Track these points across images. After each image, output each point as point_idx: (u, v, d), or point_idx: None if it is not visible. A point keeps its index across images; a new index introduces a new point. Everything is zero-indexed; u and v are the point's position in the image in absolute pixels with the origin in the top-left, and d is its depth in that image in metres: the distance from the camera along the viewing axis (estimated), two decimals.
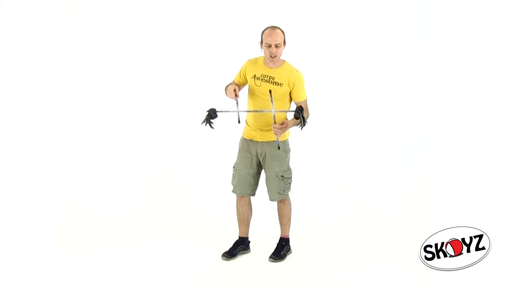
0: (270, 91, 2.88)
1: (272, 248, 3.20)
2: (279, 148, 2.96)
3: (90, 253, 3.17)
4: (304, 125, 2.92)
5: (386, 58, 3.99)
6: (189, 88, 4.06)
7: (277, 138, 2.93)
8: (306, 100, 3.04)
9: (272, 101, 2.86)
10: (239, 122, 2.92)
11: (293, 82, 2.96)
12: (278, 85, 2.96)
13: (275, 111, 2.88)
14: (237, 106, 2.91)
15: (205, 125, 2.96)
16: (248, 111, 3.05)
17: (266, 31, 2.93)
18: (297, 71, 3.00)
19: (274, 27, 2.94)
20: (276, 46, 2.90)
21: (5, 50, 2.16)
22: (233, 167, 3.20)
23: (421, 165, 3.86)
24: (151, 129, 4.04)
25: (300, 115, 2.89)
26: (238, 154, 3.17)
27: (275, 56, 2.92)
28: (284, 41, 2.96)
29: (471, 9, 2.27)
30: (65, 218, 3.29)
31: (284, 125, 2.90)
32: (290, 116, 3.01)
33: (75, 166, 3.79)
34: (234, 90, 2.93)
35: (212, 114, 2.94)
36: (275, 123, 2.89)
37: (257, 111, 3.01)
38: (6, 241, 2.19)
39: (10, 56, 2.17)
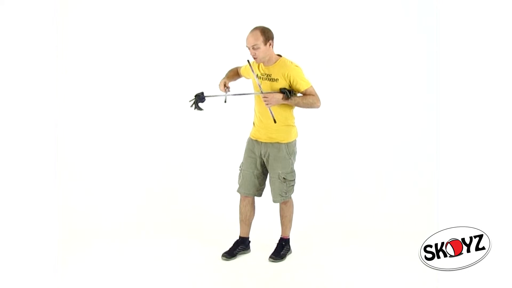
0: (247, 60, 2.97)
1: (272, 248, 3.20)
2: (275, 121, 2.95)
3: (90, 253, 3.17)
4: (289, 95, 2.91)
5: (387, 60, 3.98)
6: (190, 88, 4.04)
7: (269, 110, 2.92)
8: (311, 87, 2.98)
9: (252, 70, 2.97)
10: (225, 102, 3.05)
11: (288, 75, 2.94)
12: (274, 81, 2.97)
13: (263, 93, 2.94)
14: (226, 97, 3.05)
15: (194, 109, 3.03)
16: (234, 94, 3.08)
17: (247, 36, 2.95)
18: (291, 63, 2.97)
19: (253, 29, 2.94)
20: (254, 48, 2.90)
21: (5, 50, 2.16)
22: (239, 167, 3.21)
23: (421, 166, 3.86)
24: (152, 129, 4.04)
25: (285, 90, 2.91)
26: (244, 154, 3.19)
27: (256, 57, 2.93)
28: (266, 41, 2.91)
29: (472, 8, 2.27)
30: (65, 218, 3.29)
31: (273, 93, 2.92)
32: (295, 116, 3.07)
33: (75, 166, 3.79)
34: (224, 84, 3.08)
35: (200, 97, 3.01)
36: (261, 92, 2.95)
37: (244, 94, 3.06)
38: (6, 242, 2.19)
39: (11, 56, 2.17)
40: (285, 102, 2.92)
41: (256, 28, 2.93)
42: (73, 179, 3.75)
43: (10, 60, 2.17)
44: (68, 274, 2.83)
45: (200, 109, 3.02)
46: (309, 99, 2.96)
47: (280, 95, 2.91)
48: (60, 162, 3.09)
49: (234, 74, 3.29)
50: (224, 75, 3.24)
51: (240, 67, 3.26)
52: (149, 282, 2.79)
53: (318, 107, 2.99)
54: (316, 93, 2.98)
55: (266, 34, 2.92)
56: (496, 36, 2.22)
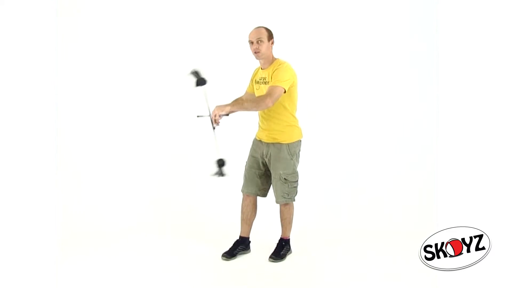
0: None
1: (272, 248, 3.20)
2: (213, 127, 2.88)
3: (90, 253, 3.18)
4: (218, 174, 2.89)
5: (388, 61, 3.98)
6: (190, 88, 4.05)
7: (220, 116, 2.82)
8: (276, 87, 2.83)
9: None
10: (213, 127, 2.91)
11: (273, 72, 2.94)
12: (267, 83, 2.99)
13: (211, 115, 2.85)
14: (213, 130, 2.89)
15: (219, 176, 2.93)
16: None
17: (250, 32, 2.99)
18: (282, 62, 2.98)
19: (256, 27, 3.00)
20: (258, 42, 2.93)
21: (5, 50, 2.16)
22: (245, 167, 3.24)
23: (420, 165, 3.86)
24: (153, 129, 4.04)
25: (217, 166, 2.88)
26: (248, 154, 3.22)
27: (259, 51, 2.94)
28: (270, 39, 2.97)
29: (472, 7, 2.27)
30: (65, 219, 3.29)
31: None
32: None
33: (76, 167, 3.79)
34: (216, 117, 2.94)
35: (222, 163, 2.91)
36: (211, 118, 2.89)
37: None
38: (7, 242, 2.19)
39: (10, 56, 2.17)
40: (230, 109, 2.83)
41: (260, 26, 3.00)
42: (73, 181, 3.75)
43: (10, 60, 2.17)
44: (68, 275, 2.83)
45: (223, 174, 2.92)
46: (251, 101, 2.89)
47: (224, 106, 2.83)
48: (61, 163, 3.09)
49: (237, 103, 3.15)
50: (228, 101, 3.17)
51: (243, 95, 3.25)
52: (149, 282, 2.79)
53: (263, 107, 2.83)
54: (271, 94, 2.82)
55: (269, 32, 3.00)
56: (496, 36, 2.22)
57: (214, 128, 2.88)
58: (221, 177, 2.93)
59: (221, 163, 2.91)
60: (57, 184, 2.37)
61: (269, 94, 2.84)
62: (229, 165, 2.95)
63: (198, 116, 2.93)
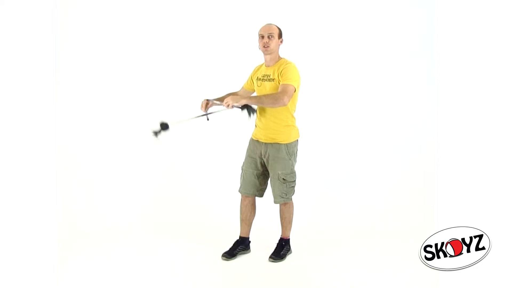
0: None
1: (272, 248, 3.20)
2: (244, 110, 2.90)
3: (91, 253, 3.17)
4: (249, 114, 2.85)
5: (387, 61, 3.99)
6: (190, 88, 4.05)
7: (232, 106, 2.81)
8: (288, 85, 2.86)
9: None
10: (207, 119, 2.98)
11: (279, 70, 2.95)
12: (272, 81, 2.99)
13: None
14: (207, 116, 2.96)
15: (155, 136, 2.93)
16: (203, 115, 2.98)
17: (261, 27, 3.01)
18: (289, 62, 2.99)
19: (267, 23, 3.02)
20: (269, 37, 2.94)
21: (5, 50, 2.16)
22: (241, 167, 3.22)
23: (420, 166, 3.86)
24: (153, 128, 4.03)
25: (246, 110, 2.85)
26: (245, 154, 3.21)
27: (268, 46, 2.95)
28: (280, 36, 3.00)
29: (472, 8, 2.27)
30: (66, 218, 3.29)
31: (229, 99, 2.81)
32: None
33: (77, 167, 3.79)
34: (206, 105, 3.01)
35: (163, 128, 2.91)
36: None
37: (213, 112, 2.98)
38: (7, 242, 2.19)
39: (10, 56, 2.17)
40: (246, 102, 2.83)
41: (271, 23, 3.02)
42: (74, 180, 3.75)
43: (10, 60, 2.17)
44: (68, 275, 2.83)
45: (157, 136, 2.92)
46: (269, 96, 2.87)
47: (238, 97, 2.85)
48: (61, 163, 3.09)
49: (254, 97, 3.20)
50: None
51: (239, 90, 3.27)
52: (149, 282, 2.79)
53: (281, 104, 2.83)
54: (286, 92, 2.83)
55: (280, 30, 3.03)
56: (496, 36, 2.22)
57: (207, 114, 2.94)
58: (153, 137, 2.90)
59: (163, 126, 2.89)
60: (58, 184, 2.37)
61: (284, 92, 2.84)
62: (227, 163, 2.90)
63: (207, 114, 2.97)
